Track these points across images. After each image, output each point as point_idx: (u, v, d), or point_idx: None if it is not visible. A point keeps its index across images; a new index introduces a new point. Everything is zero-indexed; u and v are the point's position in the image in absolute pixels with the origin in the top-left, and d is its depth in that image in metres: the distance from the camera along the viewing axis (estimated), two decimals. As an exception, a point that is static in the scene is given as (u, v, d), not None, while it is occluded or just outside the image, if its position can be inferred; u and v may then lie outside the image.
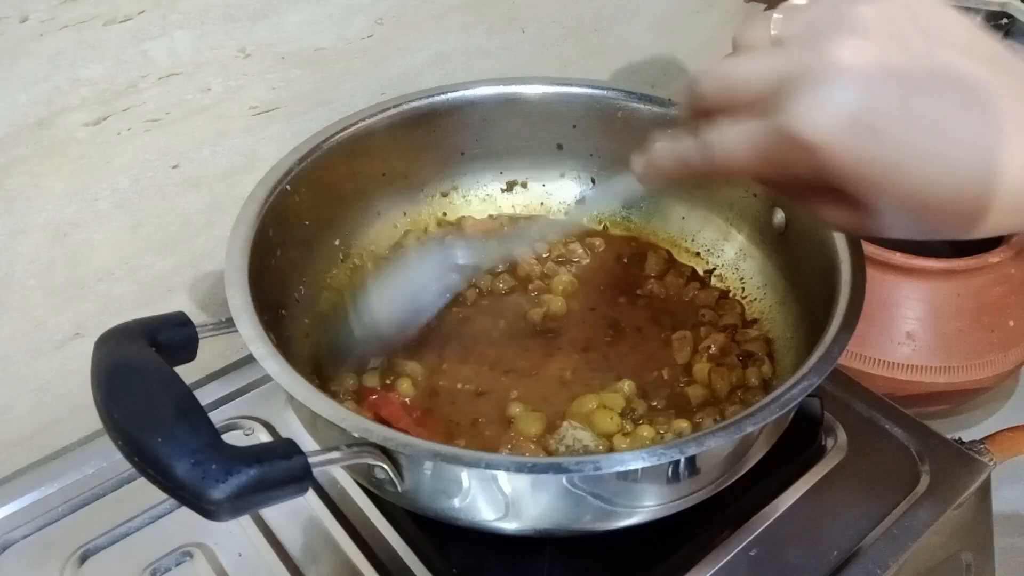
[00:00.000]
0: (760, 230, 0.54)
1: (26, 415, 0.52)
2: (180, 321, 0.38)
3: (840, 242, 0.43)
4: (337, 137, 0.51)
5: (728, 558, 0.45)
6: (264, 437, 0.53)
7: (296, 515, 0.49)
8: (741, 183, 0.53)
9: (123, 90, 0.47)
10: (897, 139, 0.26)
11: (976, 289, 0.60)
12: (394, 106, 0.53)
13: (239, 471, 0.30)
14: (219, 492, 0.30)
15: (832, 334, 0.38)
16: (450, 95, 0.55)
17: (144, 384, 0.33)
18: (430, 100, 0.55)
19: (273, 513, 0.49)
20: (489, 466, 0.32)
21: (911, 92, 0.27)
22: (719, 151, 0.30)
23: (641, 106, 0.55)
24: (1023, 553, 0.57)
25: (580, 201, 0.61)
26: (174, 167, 0.51)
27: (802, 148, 0.27)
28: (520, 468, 0.32)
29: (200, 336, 0.39)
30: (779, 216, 0.52)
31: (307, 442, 0.36)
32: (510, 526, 0.37)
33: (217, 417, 0.54)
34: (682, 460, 0.35)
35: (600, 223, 0.60)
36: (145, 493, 0.49)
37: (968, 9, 0.77)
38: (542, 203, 0.61)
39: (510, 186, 0.60)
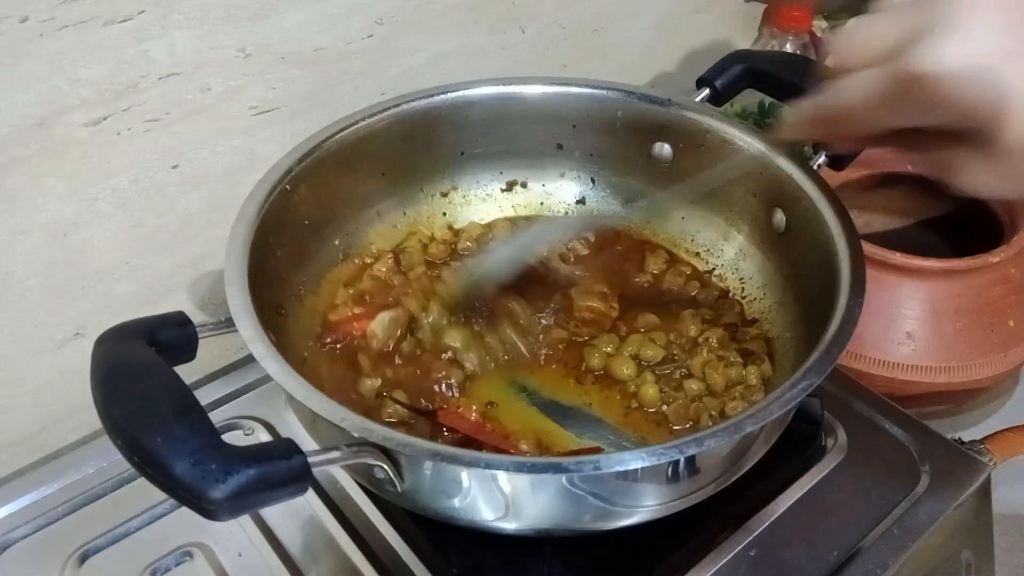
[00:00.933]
0: (760, 230, 0.54)
1: (26, 415, 0.52)
2: (180, 321, 0.38)
3: (840, 242, 0.43)
4: (337, 137, 0.51)
5: (728, 558, 0.45)
6: (264, 437, 0.53)
7: (296, 515, 0.49)
8: (739, 184, 0.53)
9: (123, 90, 0.47)
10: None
11: (976, 289, 0.60)
12: (394, 106, 0.53)
13: (239, 471, 0.30)
14: (219, 492, 0.30)
15: (832, 334, 0.38)
16: (450, 95, 0.55)
17: (144, 384, 0.33)
18: (430, 100, 0.55)
19: (273, 513, 0.49)
20: (489, 466, 0.32)
21: None
22: (850, 95, 0.32)
23: (641, 106, 0.55)
24: (1023, 553, 0.57)
25: (580, 201, 0.61)
26: (174, 167, 0.51)
27: (927, 84, 0.30)
28: (520, 468, 0.32)
29: (200, 336, 0.39)
30: (779, 216, 0.52)
31: (307, 442, 0.36)
32: (510, 526, 0.37)
33: (217, 417, 0.54)
34: (682, 460, 0.35)
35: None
36: (145, 493, 0.49)
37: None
38: (542, 203, 0.61)
39: (510, 186, 0.60)
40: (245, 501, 0.31)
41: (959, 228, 0.71)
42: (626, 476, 0.35)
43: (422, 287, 0.53)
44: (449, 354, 0.50)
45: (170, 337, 0.38)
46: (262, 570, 0.46)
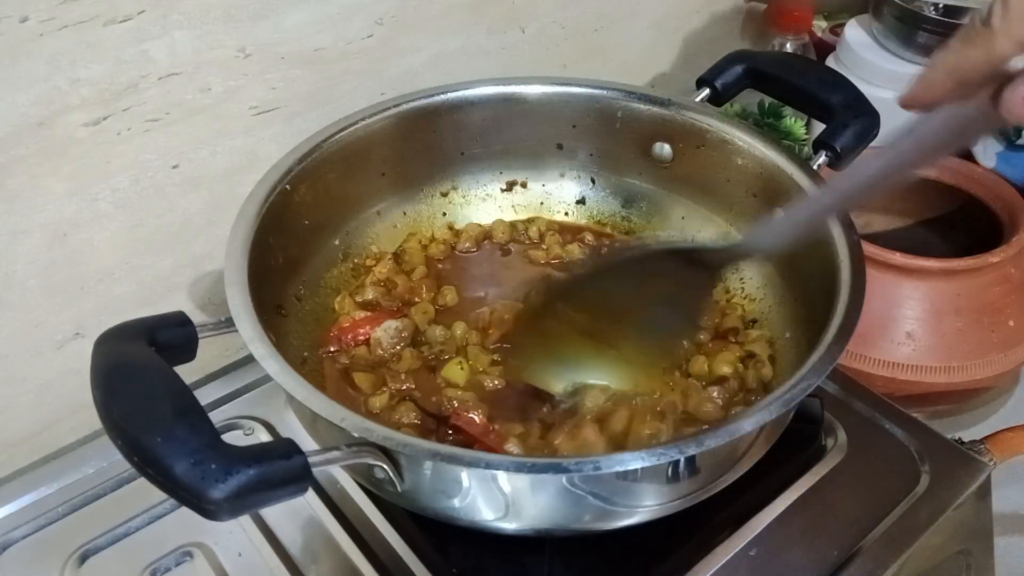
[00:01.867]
0: (760, 230, 0.54)
1: (26, 415, 0.52)
2: (180, 321, 0.38)
3: (840, 242, 0.43)
4: (337, 137, 0.51)
5: (728, 558, 0.45)
6: (264, 437, 0.53)
7: (296, 515, 0.49)
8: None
9: (123, 90, 0.47)
10: None
11: (976, 289, 0.60)
12: (394, 106, 0.54)
13: (239, 471, 0.30)
14: (219, 492, 0.30)
15: (832, 334, 0.38)
16: (450, 95, 0.55)
17: (144, 384, 0.33)
18: (430, 100, 0.55)
19: (273, 513, 0.49)
20: (489, 466, 0.32)
21: None
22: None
23: (641, 106, 0.55)
24: (1023, 553, 0.57)
25: (580, 201, 0.61)
26: (174, 167, 0.51)
27: None
28: (519, 468, 0.32)
29: (200, 336, 0.39)
30: (779, 216, 0.52)
31: (307, 442, 0.36)
32: (510, 526, 0.37)
33: (217, 417, 0.54)
34: (682, 460, 0.35)
35: (600, 223, 0.61)
36: (145, 493, 0.49)
37: (968, 9, 0.77)
38: (542, 203, 0.61)
39: (510, 186, 0.60)
40: (245, 501, 0.31)
41: (959, 228, 0.71)
42: (626, 476, 0.35)
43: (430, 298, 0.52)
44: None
45: (170, 337, 0.38)
46: (262, 570, 0.46)
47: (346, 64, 0.55)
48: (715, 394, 0.47)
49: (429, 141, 0.56)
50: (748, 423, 0.33)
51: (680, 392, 0.47)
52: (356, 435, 0.34)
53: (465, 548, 0.45)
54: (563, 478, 0.34)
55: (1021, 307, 0.61)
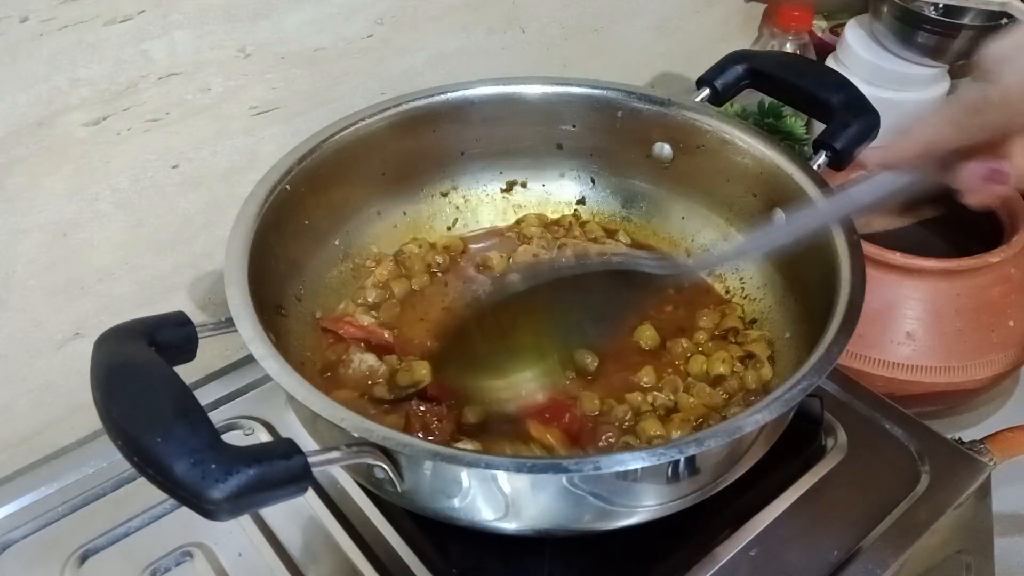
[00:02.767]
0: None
1: (26, 415, 0.52)
2: (179, 321, 0.38)
3: (840, 242, 0.43)
4: (337, 137, 0.51)
5: (728, 558, 0.45)
6: (264, 437, 0.53)
7: (296, 515, 0.49)
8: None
9: (123, 90, 0.47)
10: None
11: (976, 289, 0.60)
12: (394, 106, 0.54)
13: (239, 471, 0.30)
14: (219, 492, 0.30)
15: (832, 334, 0.38)
16: (450, 95, 0.55)
17: (143, 384, 0.33)
18: (430, 100, 0.55)
19: (273, 513, 0.49)
20: (488, 466, 0.32)
21: None
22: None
23: (641, 106, 0.55)
24: (1023, 553, 0.57)
25: (580, 201, 0.61)
26: (174, 167, 0.51)
27: None
28: (519, 468, 0.32)
29: (200, 336, 0.39)
30: (779, 216, 0.52)
31: (307, 442, 0.36)
32: (510, 526, 0.37)
33: (217, 417, 0.54)
34: (682, 460, 0.35)
35: (600, 223, 0.61)
36: (145, 493, 0.49)
37: (968, 9, 0.77)
38: (542, 203, 0.61)
39: (510, 186, 0.60)
40: (245, 501, 0.31)
41: (959, 228, 0.71)
42: (626, 476, 0.35)
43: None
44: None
45: (170, 337, 0.38)
46: (262, 570, 0.46)
47: (346, 64, 0.55)
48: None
49: (429, 141, 0.56)
50: (748, 423, 0.33)
51: (671, 388, 0.48)
52: (356, 435, 0.34)
53: (465, 548, 0.45)
54: (563, 478, 0.34)
55: (1021, 307, 0.61)
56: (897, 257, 0.59)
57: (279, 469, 0.31)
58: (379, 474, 0.35)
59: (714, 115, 0.52)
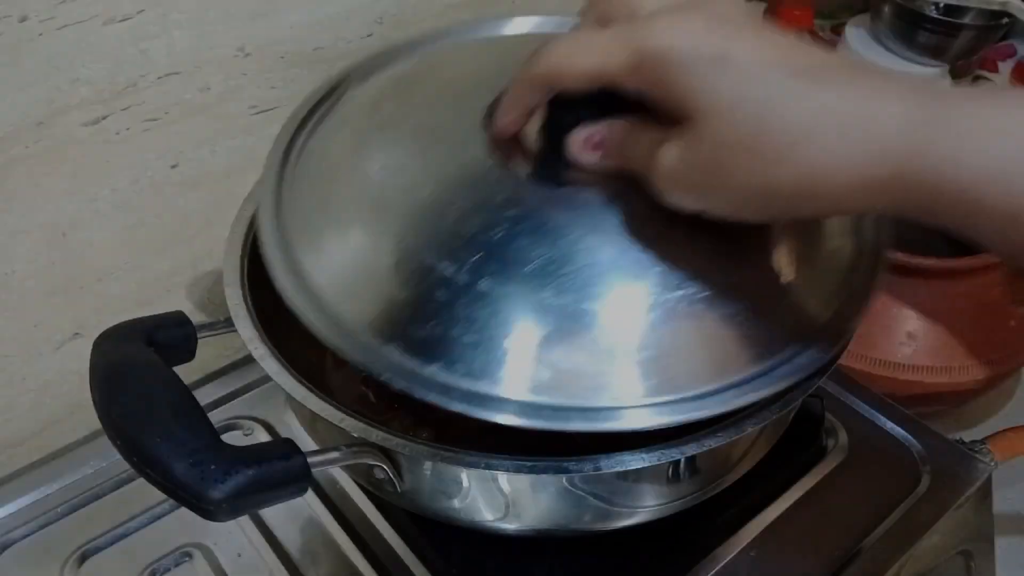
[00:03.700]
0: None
1: (26, 415, 0.52)
2: (178, 321, 0.38)
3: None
4: (336, 137, 0.51)
5: (728, 559, 0.45)
6: (264, 437, 0.53)
7: (296, 516, 0.49)
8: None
9: (122, 90, 0.47)
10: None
11: (978, 289, 0.60)
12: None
13: (238, 471, 0.30)
14: (218, 492, 0.30)
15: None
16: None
17: (142, 384, 0.33)
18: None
19: (273, 514, 0.49)
20: (488, 466, 0.32)
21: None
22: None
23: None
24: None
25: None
26: (173, 167, 0.51)
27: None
28: (519, 468, 0.32)
29: (199, 336, 0.39)
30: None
31: (307, 442, 0.36)
32: (510, 526, 0.37)
33: (217, 417, 0.54)
34: (682, 461, 0.35)
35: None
36: (144, 493, 0.49)
37: (968, 9, 0.77)
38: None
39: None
40: (244, 502, 0.31)
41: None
42: (626, 476, 0.35)
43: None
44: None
45: (169, 337, 0.38)
46: (261, 571, 0.46)
47: (346, 63, 0.55)
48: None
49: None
50: (748, 423, 0.33)
51: None
52: (355, 435, 0.34)
53: (466, 549, 0.45)
54: (563, 478, 0.34)
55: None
56: (898, 256, 0.59)
57: (278, 470, 0.31)
58: (379, 474, 0.35)
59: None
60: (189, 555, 0.47)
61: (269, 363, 0.37)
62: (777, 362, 0.34)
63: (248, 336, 0.38)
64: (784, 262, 0.36)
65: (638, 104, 0.31)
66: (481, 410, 0.31)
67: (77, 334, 0.52)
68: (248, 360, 0.56)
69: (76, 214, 0.49)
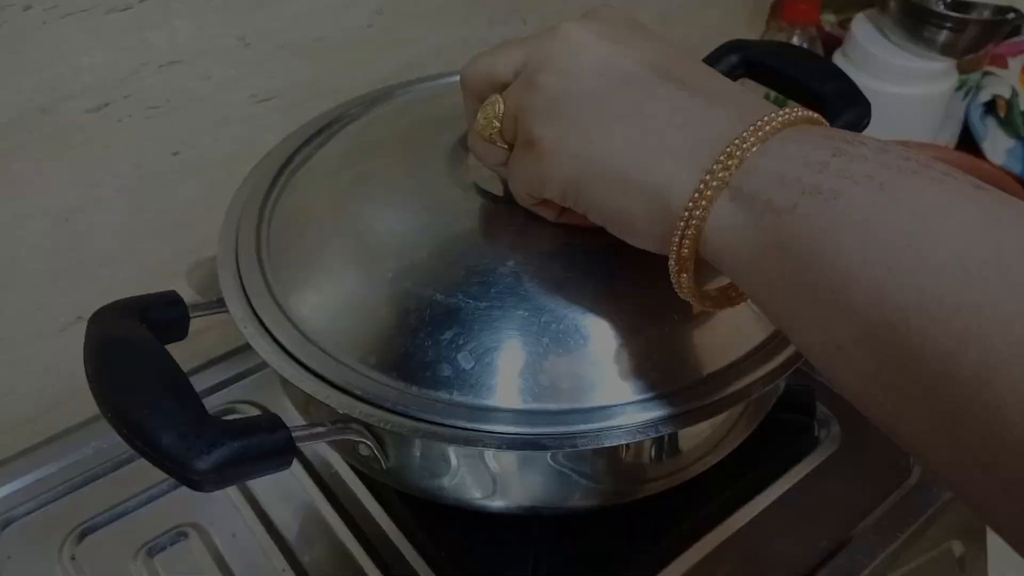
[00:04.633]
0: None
1: (28, 396, 0.53)
2: (172, 300, 0.39)
3: None
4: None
5: (716, 545, 0.45)
6: (261, 421, 0.54)
7: (290, 497, 0.49)
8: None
9: (124, 78, 0.48)
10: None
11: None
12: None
13: (223, 443, 0.31)
14: (203, 463, 0.30)
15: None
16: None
17: (134, 359, 0.34)
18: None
19: (267, 495, 0.50)
20: (468, 442, 0.32)
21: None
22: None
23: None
24: (1022, 549, 0.56)
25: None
26: (175, 154, 0.52)
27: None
28: (499, 444, 0.32)
29: (192, 315, 0.40)
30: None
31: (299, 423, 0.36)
32: (495, 504, 0.38)
33: (216, 401, 0.55)
34: (665, 439, 0.35)
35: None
36: (142, 474, 0.50)
37: (976, 4, 0.76)
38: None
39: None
40: (229, 473, 0.31)
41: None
42: (609, 454, 0.35)
43: None
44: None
45: (162, 315, 0.38)
46: (255, 551, 0.47)
47: (346, 54, 0.56)
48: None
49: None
50: (725, 403, 0.33)
51: None
52: (341, 412, 0.34)
53: (454, 531, 0.45)
54: (547, 456, 0.35)
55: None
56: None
57: (263, 443, 0.32)
58: (364, 451, 0.36)
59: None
60: (185, 534, 0.48)
61: (259, 342, 0.37)
62: (753, 351, 0.35)
63: (239, 316, 0.38)
64: None
65: None
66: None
67: (79, 318, 0.53)
68: (248, 347, 0.56)
69: (79, 200, 0.50)
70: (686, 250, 0.28)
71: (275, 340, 0.37)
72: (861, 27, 0.78)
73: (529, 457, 0.35)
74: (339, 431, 0.35)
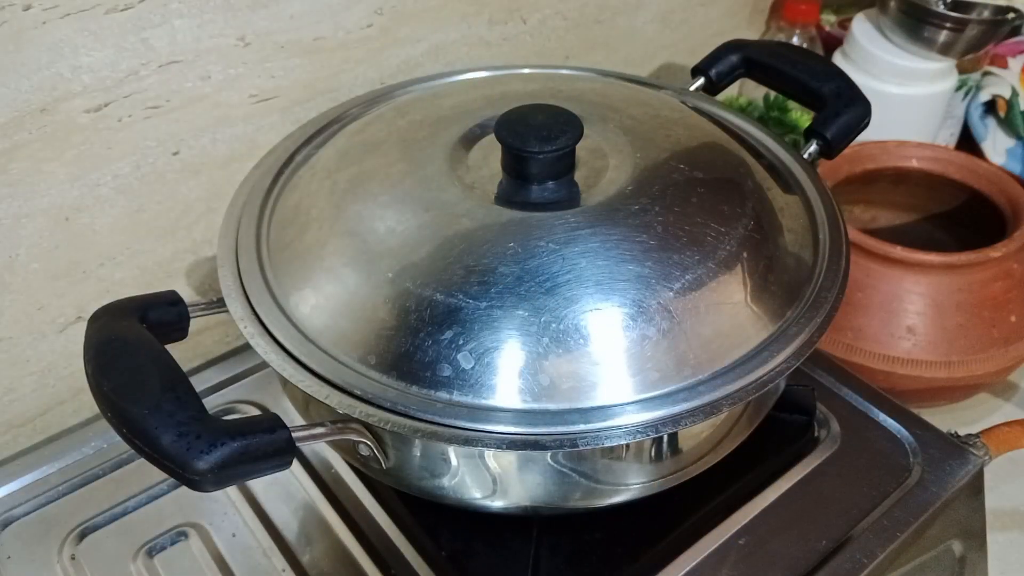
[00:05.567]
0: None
1: (29, 396, 0.53)
2: (171, 300, 0.39)
3: (822, 232, 0.43)
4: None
5: (716, 545, 0.45)
6: (261, 421, 0.54)
7: (290, 498, 0.49)
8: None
9: (124, 77, 0.48)
10: None
11: (977, 284, 0.60)
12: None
13: (223, 443, 0.31)
14: (203, 463, 0.31)
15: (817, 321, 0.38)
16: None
17: (134, 359, 0.34)
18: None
19: (267, 495, 0.49)
20: (467, 442, 0.32)
21: None
22: None
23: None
24: (1022, 548, 0.56)
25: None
26: (174, 154, 0.52)
27: None
28: (499, 444, 0.32)
29: (191, 315, 0.40)
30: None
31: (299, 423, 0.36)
32: (495, 504, 0.38)
33: (216, 401, 0.55)
34: (664, 439, 0.35)
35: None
36: (143, 474, 0.50)
37: (976, 4, 0.76)
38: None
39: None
40: (229, 473, 0.31)
41: (965, 224, 0.71)
42: (608, 454, 0.35)
43: None
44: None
45: (162, 315, 0.38)
46: (255, 551, 0.47)
47: (345, 54, 0.56)
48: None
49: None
50: (724, 403, 0.33)
51: None
52: (341, 412, 0.34)
53: (455, 532, 0.45)
54: (547, 456, 0.35)
55: (1022, 302, 0.60)
56: (898, 251, 0.59)
57: (263, 442, 0.32)
58: (364, 451, 0.36)
59: (708, 104, 0.52)
60: (185, 534, 0.48)
61: (259, 342, 0.37)
62: (753, 352, 0.35)
63: (239, 315, 0.38)
64: (749, 264, 0.38)
65: None
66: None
67: (80, 317, 0.53)
68: (248, 347, 0.56)
69: (79, 199, 0.50)
70: None
71: (275, 340, 0.37)
72: (861, 27, 0.78)
73: (529, 457, 0.35)
74: (339, 431, 0.35)
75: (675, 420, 0.33)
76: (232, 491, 0.49)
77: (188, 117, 0.51)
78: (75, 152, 0.48)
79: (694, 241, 0.37)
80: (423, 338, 0.35)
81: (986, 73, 0.82)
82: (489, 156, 0.42)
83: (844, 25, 0.85)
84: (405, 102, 0.50)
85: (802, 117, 0.75)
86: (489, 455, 0.35)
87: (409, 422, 0.33)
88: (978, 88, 0.81)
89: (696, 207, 0.39)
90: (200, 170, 0.53)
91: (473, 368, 0.34)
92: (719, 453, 0.39)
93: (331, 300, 0.38)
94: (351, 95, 0.55)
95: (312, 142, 0.49)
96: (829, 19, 0.88)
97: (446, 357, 0.34)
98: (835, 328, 0.60)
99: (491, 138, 0.42)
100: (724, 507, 0.47)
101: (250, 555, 0.47)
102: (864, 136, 0.50)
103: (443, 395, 0.34)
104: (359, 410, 0.34)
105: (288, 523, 0.49)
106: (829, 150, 0.46)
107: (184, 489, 0.43)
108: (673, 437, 0.36)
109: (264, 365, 0.49)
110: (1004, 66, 0.83)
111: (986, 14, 0.76)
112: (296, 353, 0.36)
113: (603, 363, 0.34)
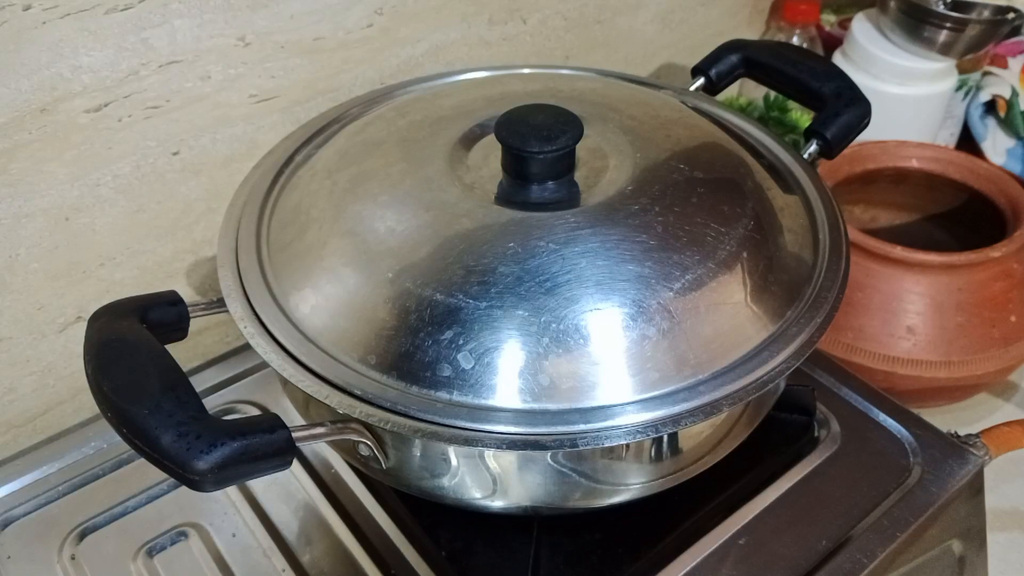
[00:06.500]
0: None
1: (29, 396, 0.53)
2: (171, 300, 0.39)
3: (822, 232, 0.43)
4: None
5: (716, 545, 0.45)
6: (261, 421, 0.54)
7: (290, 498, 0.49)
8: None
9: (124, 77, 0.48)
10: None
11: (977, 284, 0.60)
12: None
13: (223, 443, 0.31)
14: (203, 463, 0.30)
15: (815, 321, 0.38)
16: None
17: (134, 359, 0.34)
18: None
19: (267, 495, 0.49)
20: (467, 442, 0.32)
21: None
22: None
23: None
24: (1022, 548, 0.56)
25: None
26: (174, 154, 0.52)
27: None
28: (498, 444, 0.32)
29: (191, 315, 0.40)
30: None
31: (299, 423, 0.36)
32: (495, 504, 0.38)
33: (216, 401, 0.55)
34: (664, 439, 0.35)
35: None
36: (142, 474, 0.50)
37: (976, 4, 0.76)
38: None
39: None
40: (229, 473, 0.31)
41: (965, 224, 0.71)
42: (608, 454, 0.35)
43: None
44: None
45: (162, 315, 0.38)
46: (255, 551, 0.47)
47: (345, 54, 0.56)
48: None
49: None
50: (724, 403, 0.33)
51: None
52: (341, 412, 0.34)
53: (455, 532, 0.45)
54: (547, 456, 0.35)
55: (1023, 302, 0.60)
56: (898, 251, 0.59)
57: (263, 443, 0.32)
58: (364, 451, 0.36)
59: (707, 104, 0.52)
60: (184, 534, 0.48)
61: (259, 342, 0.37)
62: (753, 352, 0.35)
63: (239, 315, 0.38)
64: (749, 264, 0.38)
65: None
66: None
67: (80, 317, 0.53)
68: (248, 347, 0.56)
69: (79, 199, 0.50)
70: None
71: (275, 340, 0.37)
72: (861, 27, 0.78)
73: (529, 457, 0.35)
74: (339, 431, 0.35)
75: (675, 420, 0.33)
76: (232, 491, 0.49)
77: (188, 117, 0.51)
78: (75, 152, 0.48)
79: (694, 241, 0.37)
80: (423, 338, 0.35)
81: (986, 73, 0.82)
82: (489, 156, 0.42)
83: (844, 25, 0.85)
84: (405, 102, 0.50)
85: (802, 117, 0.75)
86: (489, 455, 0.35)
87: (409, 422, 0.33)
88: (978, 88, 0.81)
89: (696, 207, 0.39)
90: (200, 170, 0.53)
91: (473, 368, 0.34)
92: (719, 453, 0.39)
93: (331, 300, 0.38)
94: (351, 95, 0.55)
95: (312, 142, 0.49)
96: (829, 19, 0.88)
97: (446, 357, 0.34)
98: (835, 328, 0.60)
99: (491, 138, 0.42)
100: (724, 507, 0.47)
101: (250, 555, 0.47)
102: (864, 136, 0.50)
103: (443, 395, 0.34)
104: (359, 410, 0.34)
105: (288, 523, 0.49)
106: (829, 150, 0.46)
107: (184, 489, 0.43)
108: (673, 437, 0.36)
109: (264, 365, 0.49)
110: (1004, 66, 0.83)
111: (986, 14, 0.76)
112: (296, 353, 0.36)
113: (603, 363, 0.34)
